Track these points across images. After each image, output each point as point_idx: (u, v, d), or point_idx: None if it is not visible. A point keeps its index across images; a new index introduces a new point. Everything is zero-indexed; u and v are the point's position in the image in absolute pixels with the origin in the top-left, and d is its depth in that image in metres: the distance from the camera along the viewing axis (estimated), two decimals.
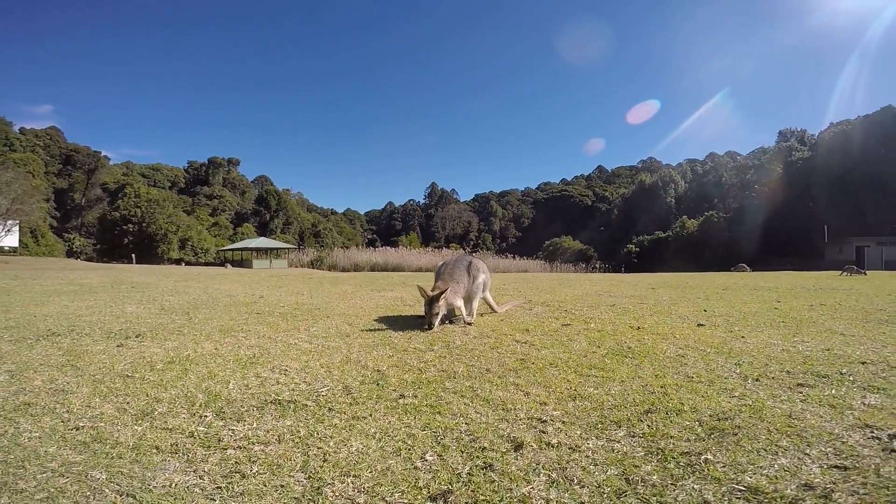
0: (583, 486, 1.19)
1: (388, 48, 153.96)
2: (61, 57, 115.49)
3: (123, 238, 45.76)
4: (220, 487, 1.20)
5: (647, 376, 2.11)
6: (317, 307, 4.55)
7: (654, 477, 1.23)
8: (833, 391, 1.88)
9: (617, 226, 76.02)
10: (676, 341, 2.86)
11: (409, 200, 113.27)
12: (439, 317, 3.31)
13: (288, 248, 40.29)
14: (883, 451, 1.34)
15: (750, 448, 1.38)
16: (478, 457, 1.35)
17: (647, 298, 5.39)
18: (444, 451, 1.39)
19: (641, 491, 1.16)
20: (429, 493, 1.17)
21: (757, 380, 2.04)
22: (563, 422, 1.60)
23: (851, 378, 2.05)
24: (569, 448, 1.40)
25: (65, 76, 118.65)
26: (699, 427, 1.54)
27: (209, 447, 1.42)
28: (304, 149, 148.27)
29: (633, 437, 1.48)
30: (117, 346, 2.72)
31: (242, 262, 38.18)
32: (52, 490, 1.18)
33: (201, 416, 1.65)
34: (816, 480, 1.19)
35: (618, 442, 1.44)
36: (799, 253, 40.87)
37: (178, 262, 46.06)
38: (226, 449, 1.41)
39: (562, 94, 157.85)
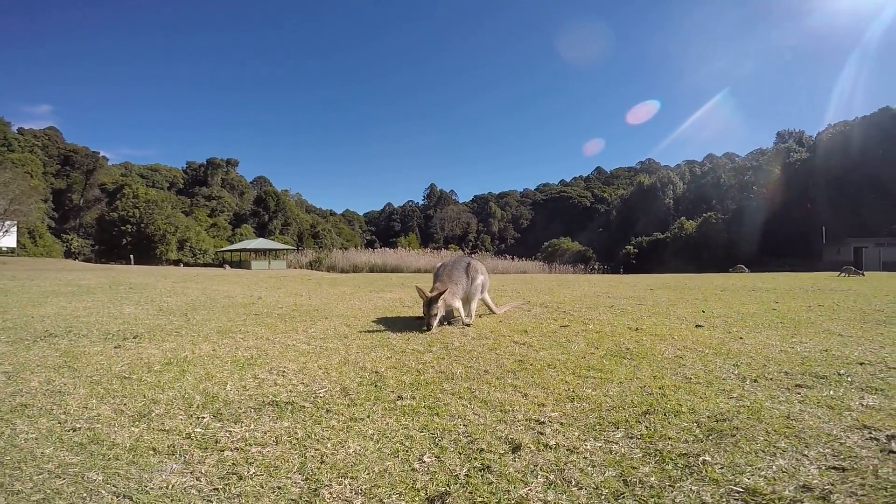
0: (581, 488, 1.19)
1: (388, 48, 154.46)
2: (60, 57, 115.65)
3: (122, 239, 45.70)
4: (216, 489, 1.19)
5: (645, 377, 2.11)
6: (315, 308, 4.55)
7: (653, 478, 1.23)
8: (831, 392, 1.88)
9: (616, 227, 76.08)
10: (675, 342, 2.86)
11: (408, 201, 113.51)
12: (438, 318, 3.30)
13: (286, 249, 40.21)
14: (881, 452, 1.35)
15: (748, 449, 1.38)
16: (475, 458, 1.35)
17: (645, 299, 5.39)
18: (442, 452, 1.39)
19: (639, 492, 1.16)
20: (426, 494, 1.17)
21: (755, 381, 2.05)
22: (561, 423, 1.60)
23: (849, 379, 2.05)
24: (567, 449, 1.40)
25: (64, 76, 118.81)
26: (697, 428, 1.54)
27: (206, 449, 1.41)
28: (303, 149, 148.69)
29: (632, 438, 1.47)
30: (115, 347, 2.72)
31: (241, 263, 38.14)
32: (49, 491, 1.18)
33: (198, 418, 1.65)
34: (815, 481, 1.19)
35: (616, 443, 1.44)
36: (797, 254, 40.96)
37: (176, 262, 46.00)
38: (223, 450, 1.40)
39: (562, 94, 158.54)
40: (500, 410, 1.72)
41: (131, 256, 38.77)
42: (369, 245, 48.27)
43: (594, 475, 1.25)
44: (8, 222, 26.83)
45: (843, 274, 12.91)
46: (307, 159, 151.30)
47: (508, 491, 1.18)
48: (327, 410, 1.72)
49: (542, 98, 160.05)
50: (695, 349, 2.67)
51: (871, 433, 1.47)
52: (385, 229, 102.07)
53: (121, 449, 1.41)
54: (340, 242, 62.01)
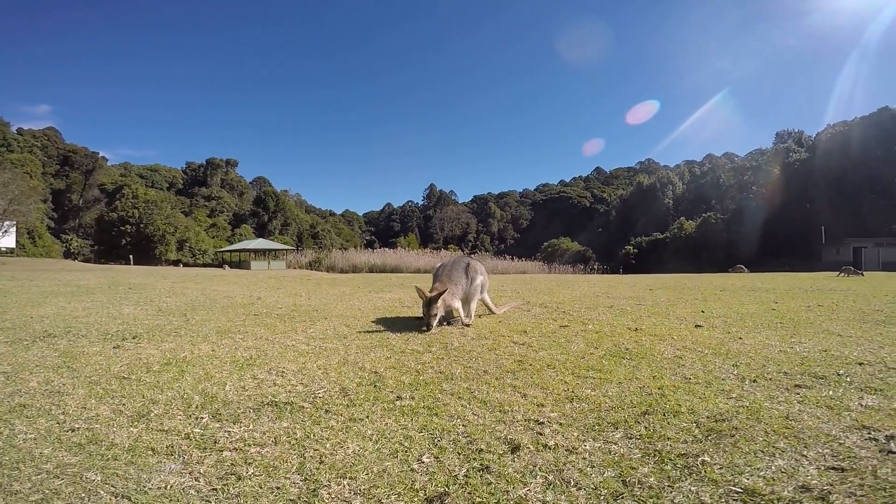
0: (579, 489, 1.19)
1: (388, 48, 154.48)
2: (60, 57, 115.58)
3: (121, 239, 45.64)
4: (215, 489, 1.19)
5: (644, 378, 2.11)
6: (314, 309, 4.55)
7: (651, 479, 1.23)
8: (830, 392, 1.88)
9: (615, 227, 76.06)
10: (674, 342, 2.86)
11: (408, 202, 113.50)
12: (437, 318, 3.30)
13: (286, 250, 40.24)
14: (880, 452, 1.35)
15: (747, 450, 1.38)
16: (475, 459, 1.35)
17: (644, 300, 5.40)
18: (441, 452, 1.39)
19: (638, 493, 1.16)
20: (425, 495, 1.17)
21: (754, 381, 2.05)
22: (561, 423, 1.60)
23: (849, 379, 2.05)
24: (566, 450, 1.40)
25: (63, 76, 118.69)
26: (696, 429, 1.54)
27: (205, 449, 1.41)
28: (303, 149, 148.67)
29: (631, 438, 1.48)
30: (114, 347, 2.71)
31: (240, 264, 38.16)
32: (47, 492, 1.18)
33: (197, 418, 1.65)
34: (814, 482, 1.19)
35: (615, 444, 1.44)
36: (796, 254, 41.00)
37: (175, 263, 45.95)
38: (222, 451, 1.40)
39: (561, 94, 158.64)
40: (500, 411, 1.72)
41: (131, 257, 38.71)
42: (369, 245, 48.31)
43: (593, 475, 1.25)
44: (7, 222, 26.83)
45: (842, 274, 12.92)
46: (307, 159, 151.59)
47: (507, 491, 1.18)
48: (326, 411, 1.72)
49: (542, 98, 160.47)
50: (694, 349, 2.67)
51: (870, 433, 1.47)
52: (384, 229, 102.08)
53: (119, 449, 1.41)
54: (340, 243, 61.98)
